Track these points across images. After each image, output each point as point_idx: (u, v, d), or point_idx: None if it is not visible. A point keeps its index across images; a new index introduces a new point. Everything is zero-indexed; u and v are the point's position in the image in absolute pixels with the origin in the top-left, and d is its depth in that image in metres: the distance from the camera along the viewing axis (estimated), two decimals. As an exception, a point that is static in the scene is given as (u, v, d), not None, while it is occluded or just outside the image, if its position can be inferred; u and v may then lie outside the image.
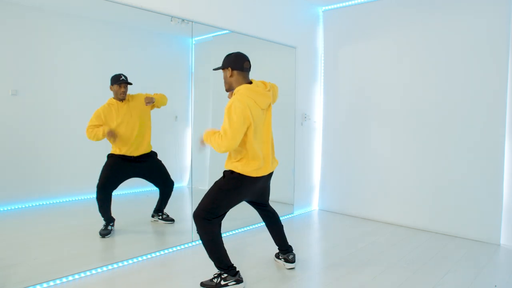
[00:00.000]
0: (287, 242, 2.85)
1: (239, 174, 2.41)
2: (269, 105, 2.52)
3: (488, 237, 3.49)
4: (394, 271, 2.80)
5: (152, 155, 3.28)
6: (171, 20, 3.14)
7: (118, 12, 2.94)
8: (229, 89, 2.48)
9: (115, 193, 3.08)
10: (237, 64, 2.40)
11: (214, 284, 2.43)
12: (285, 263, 2.82)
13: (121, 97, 3.05)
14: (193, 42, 3.40)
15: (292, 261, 2.79)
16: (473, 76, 3.56)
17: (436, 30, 3.76)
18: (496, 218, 3.45)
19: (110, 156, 3.10)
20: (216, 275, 2.45)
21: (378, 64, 4.17)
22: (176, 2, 3.18)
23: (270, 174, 2.64)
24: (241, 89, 2.35)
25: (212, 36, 3.67)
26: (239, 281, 2.43)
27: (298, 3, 4.38)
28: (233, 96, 2.35)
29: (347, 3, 4.40)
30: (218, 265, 2.43)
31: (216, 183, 2.48)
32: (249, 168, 2.40)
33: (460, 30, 3.62)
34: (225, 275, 2.43)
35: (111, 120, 3.01)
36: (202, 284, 2.47)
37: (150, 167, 3.27)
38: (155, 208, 3.46)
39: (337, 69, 4.54)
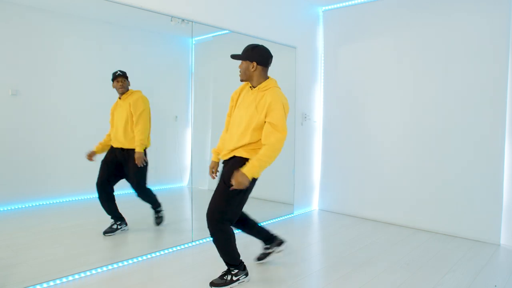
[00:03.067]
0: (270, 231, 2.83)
1: None
2: None
3: (488, 237, 3.49)
4: (394, 271, 2.80)
5: (131, 153, 3.08)
6: (171, 20, 3.14)
7: (118, 12, 2.94)
8: (247, 80, 2.47)
9: (115, 192, 3.08)
10: (263, 60, 2.42)
11: (225, 281, 2.45)
12: (276, 247, 2.81)
13: (120, 91, 3.06)
14: (193, 42, 3.40)
15: (282, 241, 2.81)
16: (473, 76, 3.56)
17: (436, 30, 3.76)
18: (496, 218, 3.45)
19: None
20: (225, 272, 2.49)
21: (378, 64, 4.17)
22: (176, 2, 3.18)
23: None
24: (276, 90, 2.40)
25: (212, 36, 3.67)
26: (247, 274, 2.53)
27: (298, 3, 4.38)
28: (270, 92, 2.36)
29: (347, 3, 4.40)
30: (230, 263, 2.47)
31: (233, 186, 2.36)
32: None
33: (460, 30, 3.62)
34: (236, 270, 2.47)
35: (112, 114, 3.07)
36: (212, 284, 2.46)
37: (126, 166, 3.12)
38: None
39: (337, 69, 4.53)
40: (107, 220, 3.08)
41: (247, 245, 3.33)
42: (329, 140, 4.64)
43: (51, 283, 2.43)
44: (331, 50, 4.59)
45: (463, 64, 3.61)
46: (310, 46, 4.58)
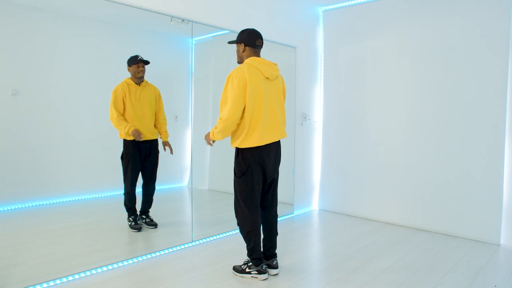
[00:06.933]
0: (275, 248, 2.79)
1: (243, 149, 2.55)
2: (277, 78, 2.65)
3: (488, 237, 3.49)
4: (394, 271, 2.80)
5: (156, 142, 3.33)
6: (171, 20, 3.14)
7: (118, 12, 2.94)
8: (241, 62, 2.66)
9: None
10: (250, 41, 2.57)
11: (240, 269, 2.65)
12: (268, 269, 2.69)
13: (139, 75, 3.13)
14: (193, 42, 3.40)
15: (276, 266, 2.71)
16: (473, 76, 3.56)
17: (436, 30, 3.76)
18: (496, 218, 3.45)
19: (126, 146, 3.12)
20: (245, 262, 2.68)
21: (378, 64, 4.17)
22: (176, 2, 3.18)
23: (279, 147, 2.73)
24: (247, 60, 2.55)
25: (212, 36, 3.67)
26: (261, 271, 2.59)
27: (298, 3, 4.38)
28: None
29: (347, 3, 4.40)
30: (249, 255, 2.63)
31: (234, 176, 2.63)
32: (252, 140, 2.51)
33: (460, 30, 3.62)
34: (251, 263, 2.61)
35: (127, 99, 3.11)
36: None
37: (149, 155, 3.28)
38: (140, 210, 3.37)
39: (337, 69, 4.54)
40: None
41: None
42: (329, 140, 4.64)
43: (51, 283, 2.43)
44: (331, 50, 4.59)
45: (464, 64, 3.61)
46: (310, 46, 4.58)
